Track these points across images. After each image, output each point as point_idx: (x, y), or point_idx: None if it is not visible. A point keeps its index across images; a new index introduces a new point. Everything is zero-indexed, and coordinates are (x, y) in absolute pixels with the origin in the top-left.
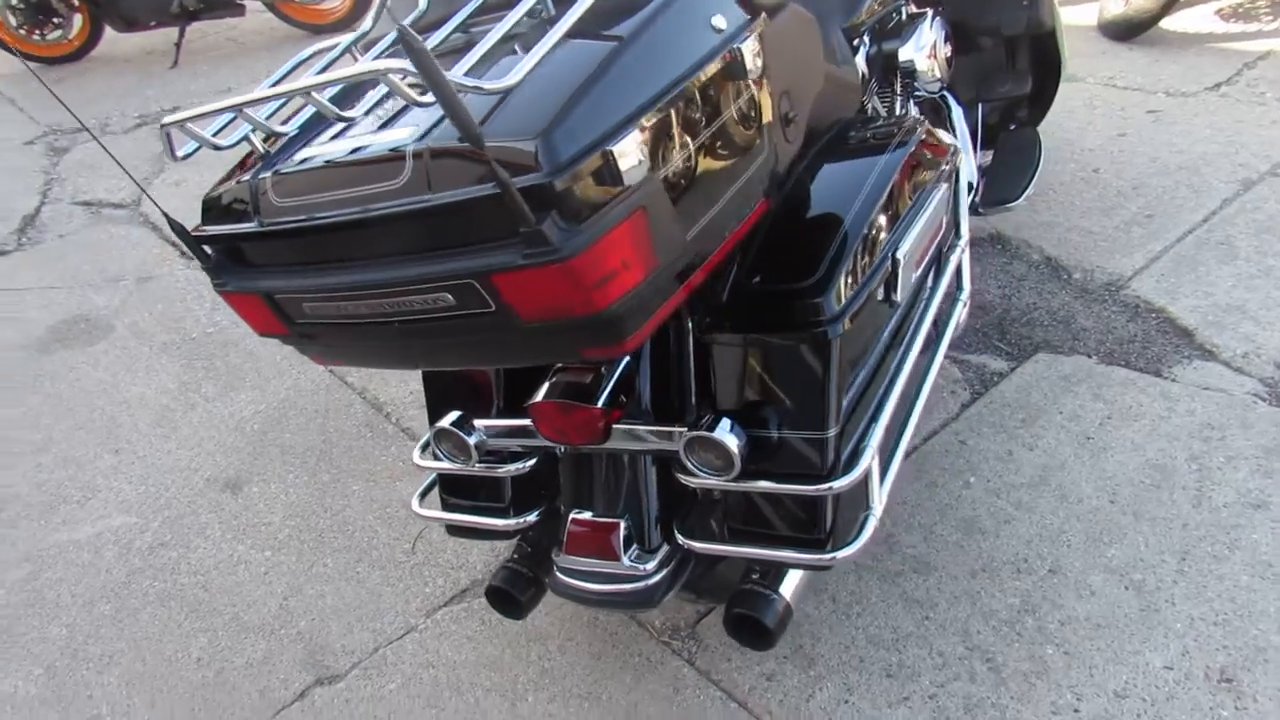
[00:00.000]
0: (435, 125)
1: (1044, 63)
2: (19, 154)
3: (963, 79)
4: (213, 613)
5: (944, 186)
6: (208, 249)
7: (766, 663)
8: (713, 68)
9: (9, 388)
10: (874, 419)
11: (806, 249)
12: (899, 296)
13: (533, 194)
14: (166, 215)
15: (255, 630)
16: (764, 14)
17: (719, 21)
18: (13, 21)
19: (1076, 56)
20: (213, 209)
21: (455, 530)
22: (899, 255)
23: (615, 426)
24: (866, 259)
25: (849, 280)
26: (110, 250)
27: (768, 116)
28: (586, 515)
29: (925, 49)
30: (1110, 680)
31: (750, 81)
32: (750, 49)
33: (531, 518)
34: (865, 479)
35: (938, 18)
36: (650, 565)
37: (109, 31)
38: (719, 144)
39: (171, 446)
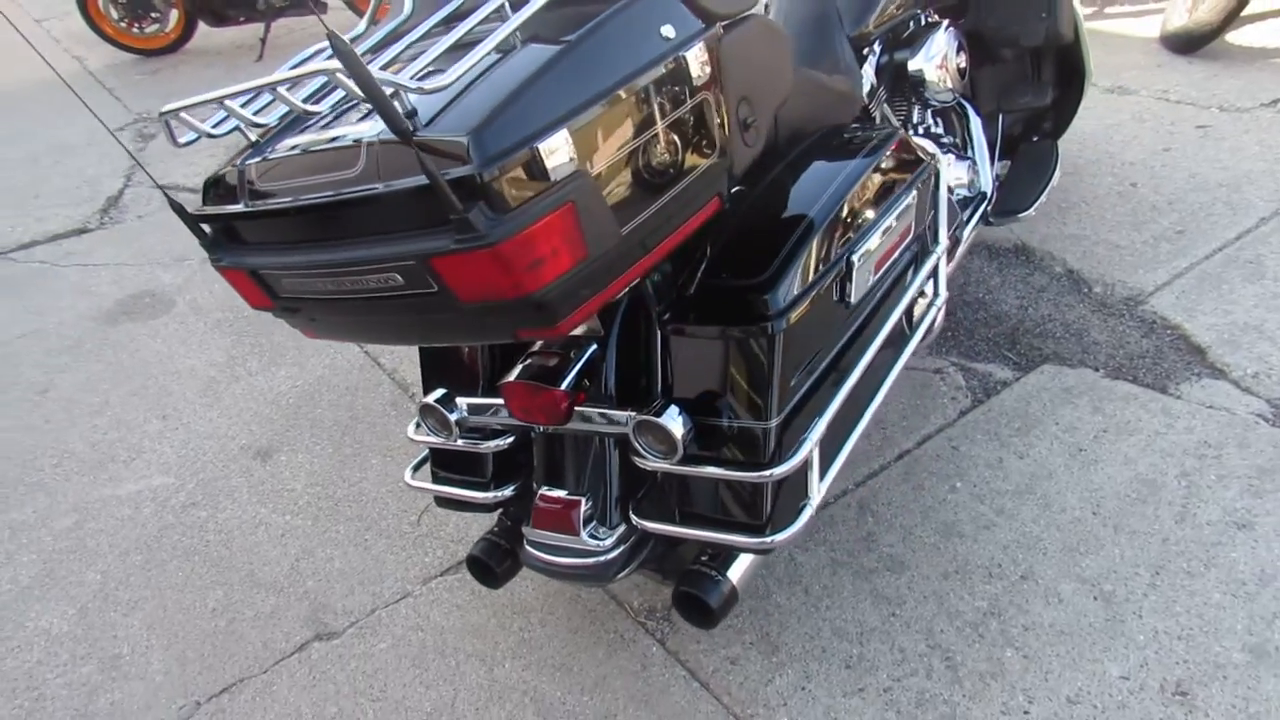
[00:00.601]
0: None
1: (1067, 74)
2: (110, 139)
3: (985, 90)
4: (231, 569)
5: (913, 193)
6: (205, 228)
7: (732, 647)
8: (656, 73)
9: (77, 355)
10: (819, 413)
11: (765, 247)
12: (853, 297)
13: (463, 185)
14: (167, 195)
15: (266, 587)
16: (719, 24)
17: (668, 30)
18: (114, 15)
19: (1132, 69)
20: (210, 191)
21: (442, 502)
22: (854, 258)
23: (577, 409)
24: (821, 259)
25: (799, 279)
26: (181, 232)
27: (720, 120)
28: (552, 492)
29: (935, 59)
30: (1065, 686)
31: (696, 87)
32: (696, 57)
33: (508, 492)
34: (805, 469)
35: (952, 29)
36: (608, 542)
37: (202, 26)
38: (660, 145)
39: (213, 415)
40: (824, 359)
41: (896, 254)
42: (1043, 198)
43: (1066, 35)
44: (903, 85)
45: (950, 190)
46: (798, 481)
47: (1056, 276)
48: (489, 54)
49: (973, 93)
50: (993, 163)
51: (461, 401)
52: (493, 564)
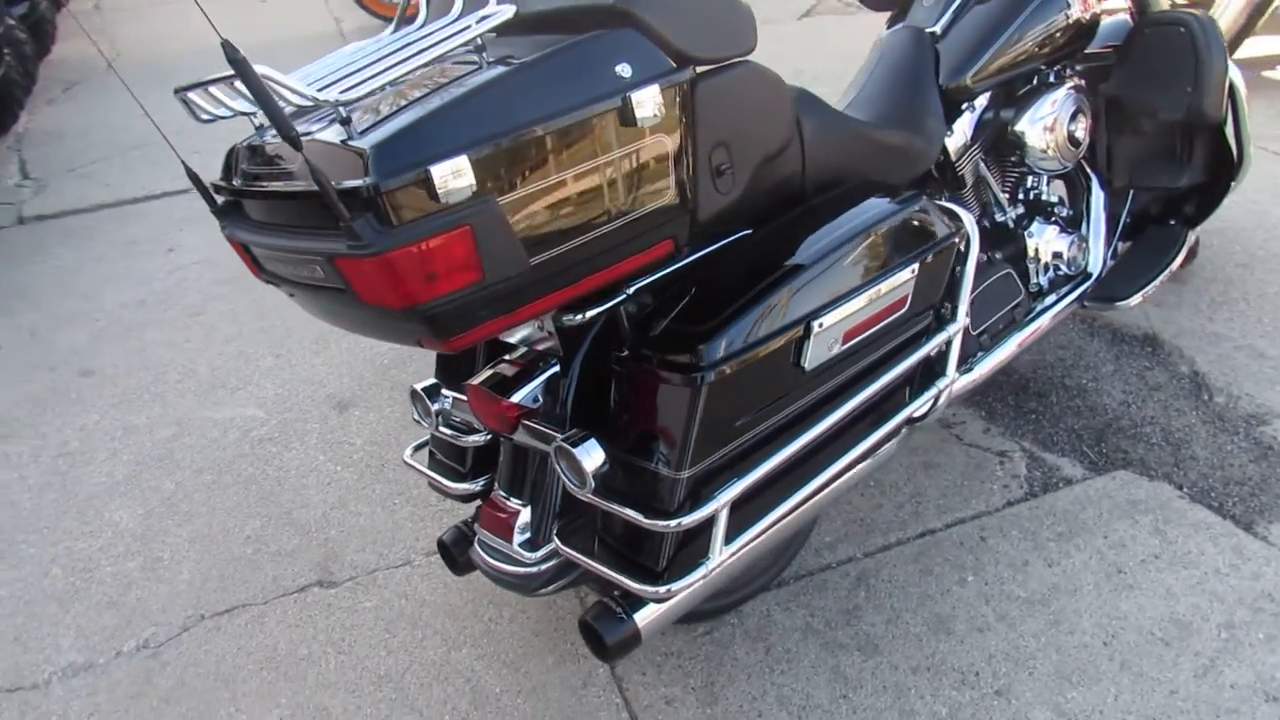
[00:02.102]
0: (330, 121)
1: (1217, 159)
2: None
3: (1120, 162)
4: (274, 504)
5: (915, 265)
6: (217, 197)
7: (674, 686)
8: (595, 111)
9: (235, 286)
10: (740, 475)
11: (725, 296)
12: (808, 364)
13: (355, 195)
14: (184, 163)
15: (296, 527)
16: (693, 68)
17: (623, 69)
18: None
19: None
20: (225, 163)
21: (431, 485)
22: (815, 323)
23: (524, 423)
24: (777, 319)
25: (744, 335)
26: None
27: (682, 164)
28: (503, 496)
29: (1042, 122)
30: None
31: (645, 129)
32: (649, 98)
33: (476, 486)
34: (709, 527)
35: (1073, 91)
36: (534, 555)
37: None
38: (593, 183)
39: (317, 362)
40: (766, 421)
41: (878, 326)
42: (1149, 288)
43: (1213, 116)
44: (1003, 146)
45: (1045, 265)
46: (704, 538)
47: (1178, 376)
48: (400, 73)
49: (1108, 163)
50: (1111, 242)
51: (448, 394)
52: (455, 552)
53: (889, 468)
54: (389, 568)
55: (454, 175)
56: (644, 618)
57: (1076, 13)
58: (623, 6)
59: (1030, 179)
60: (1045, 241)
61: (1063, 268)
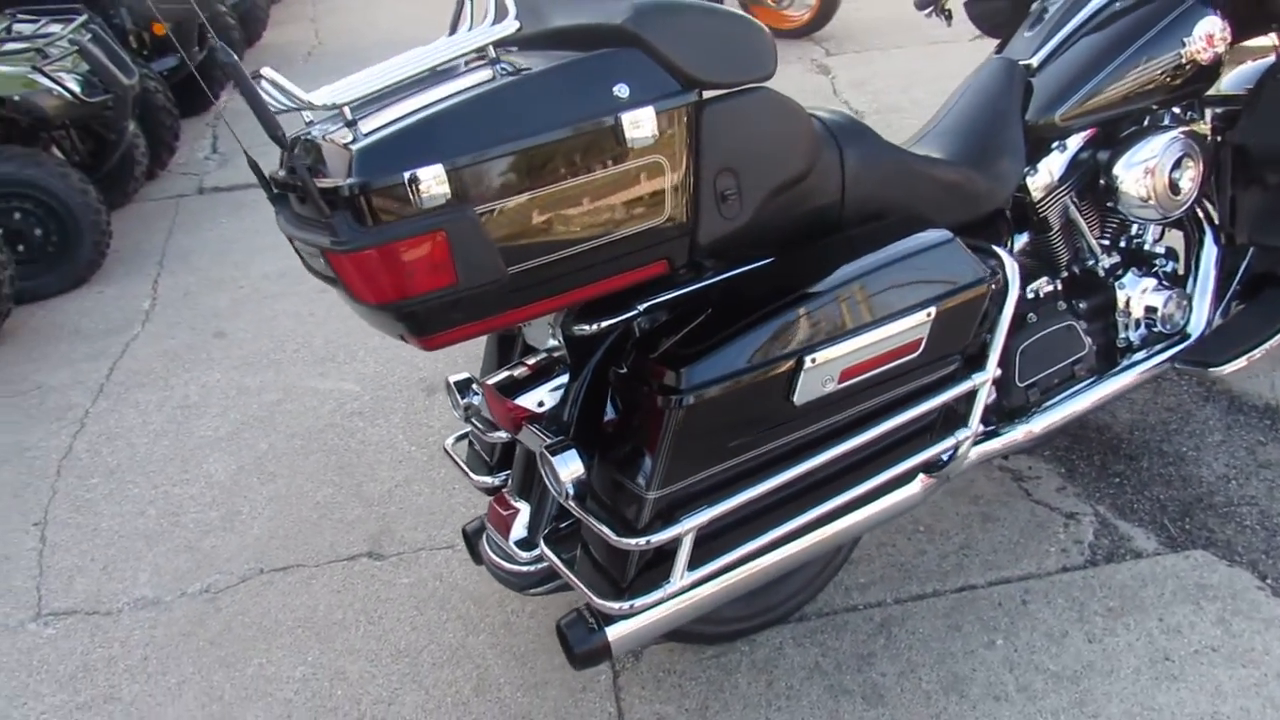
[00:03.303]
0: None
1: None
2: None
3: (1243, 216)
4: (349, 475)
5: (931, 308)
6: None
7: (670, 704)
8: (586, 128)
9: None
10: (712, 502)
11: (722, 320)
12: (798, 399)
13: (336, 195)
14: (246, 153)
15: (362, 500)
16: (698, 91)
17: (620, 90)
18: None
19: None
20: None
21: (465, 475)
22: (808, 358)
23: (527, 425)
24: (770, 350)
25: (731, 362)
26: None
27: (681, 187)
28: (509, 494)
29: (1140, 167)
30: None
31: (637, 150)
32: (642, 119)
33: (496, 481)
34: (672, 552)
35: (1181, 137)
36: (526, 555)
37: None
38: (577, 199)
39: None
40: (749, 452)
41: (884, 368)
42: (1251, 356)
43: None
44: (1098, 190)
45: (1136, 320)
46: (662, 560)
47: None
48: (395, 81)
49: (1230, 218)
50: (1220, 302)
51: (479, 389)
52: (476, 543)
53: (942, 515)
54: (433, 549)
55: (429, 182)
56: (616, 632)
57: (1195, 54)
58: (630, 28)
59: (1134, 227)
60: (1138, 295)
61: (1156, 325)
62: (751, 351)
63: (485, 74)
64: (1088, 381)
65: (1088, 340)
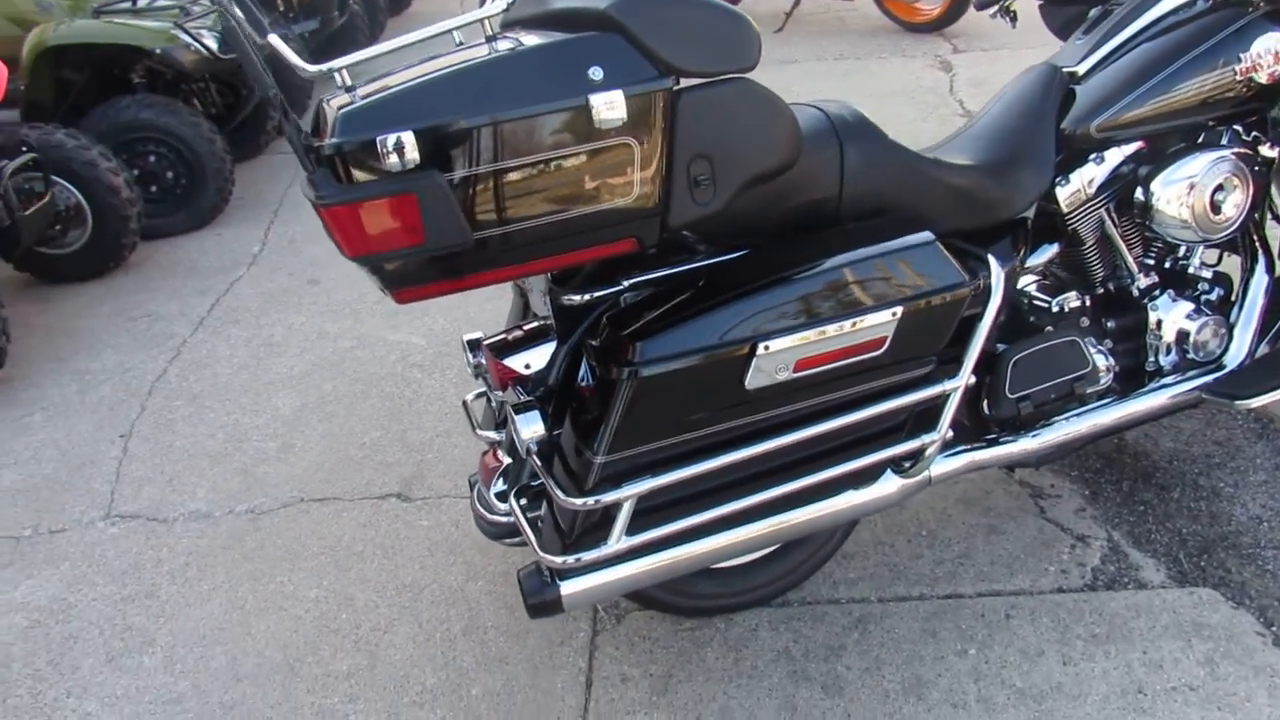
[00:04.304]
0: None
1: None
2: None
3: None
4: (397, 421)
5: (899, 308)
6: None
7: (635, 667)
8: (555, 107)
9: None
10: (654, 473)
11: (689, 301)
12: (749, 384)
13: (320, 153)
14: (295, 123)
15: (404, 445)
16: (674, 78)
17: (595, 72)
18: None
19: None
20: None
21: (471, 428)
22: (762, 345)
23: (512, 383)
24: (726, 333)
25: (684, 340)
26: None
27: (651, 170)
28: (498, 448)
29: (1178, 186)
30: None
31: (604, 130)
32: (612, 102)
33: (498, 436)
34: (610, 515)
35: (1233, 158)
36: (501, 506)
37: None
38: (543, 174)
39: (489, 307)
40: (700, 431)
41: (842, 362)
42: (1266, 398)
43: None
44: (1135, 206)
45: (1166, 345)
46: (605, 523)
47: None
48: (383, 52)
49: None
50: (1264, 334)
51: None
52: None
53: (949, 522)
54: (456, 497)
55: (400, 147)
56: (569, 588)
57: (1252, 71)
58: (612, 14)
59: (1181, 249)
60: (1172, 318)
61: (1189, 351)
62: (707, 333)
63: (481, 50)
64: (1105, 401)
65: (1098, 359)
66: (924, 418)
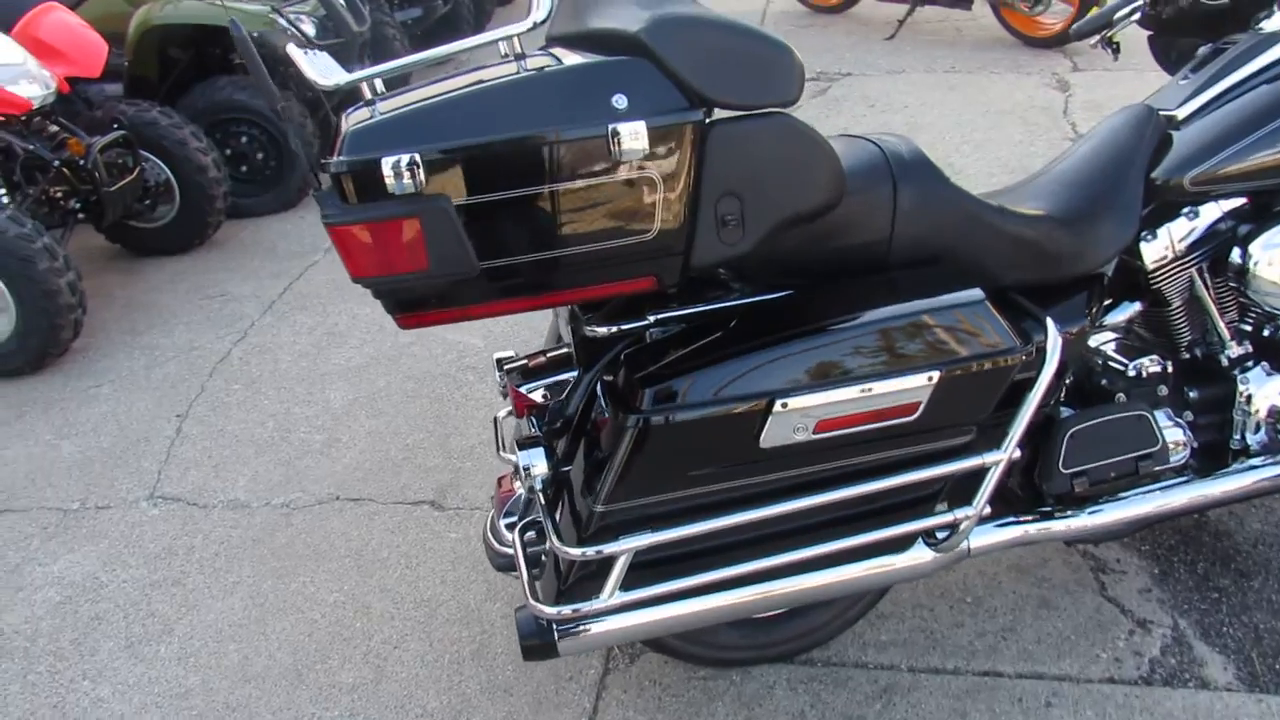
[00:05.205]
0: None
1: None
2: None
3: None
4: (442, 426)
5: (935, 373)
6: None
7: (643, 714)
8: (573, 136)
9: None
10: (656, 528)
11: (713, 346)
12: (764, 443)
13: (327, 170)
14: (305, 139)
15: (446, 452)
16: (705, 110)
17: (618, 100)
18: None
19: None
20: None
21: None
22: (780, 402)
23: (529, 414)
24: (739, 387)
25: (697, 391)
26: None
27: (673, 206)
28: (513, 474)
29: (1277, 250)
30: None
31: (622, 163)
32: (635, 132)
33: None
34: (605, 568)
35: None
36: (507, 537)
37: None
38: (558, 204)
39: (549, 314)
40: (709, 486)
41: (869, 426)
42: None
43: None
44: (1230, 268)
45: (1257, 422)
46: (600, 575)
47: None
48: (394, 68)
49: None
50: None
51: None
52: None
53: (997, 590)
54: (487, 510)
55: (404, 170)
56: (565, 639)
57: None
58: (643, 38)
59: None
60: (1264, 393)
61: None
62: (722, 384)
63: (508, 69)
64: (1179, 480)
65: (1172, 434)
66: (962, 488)
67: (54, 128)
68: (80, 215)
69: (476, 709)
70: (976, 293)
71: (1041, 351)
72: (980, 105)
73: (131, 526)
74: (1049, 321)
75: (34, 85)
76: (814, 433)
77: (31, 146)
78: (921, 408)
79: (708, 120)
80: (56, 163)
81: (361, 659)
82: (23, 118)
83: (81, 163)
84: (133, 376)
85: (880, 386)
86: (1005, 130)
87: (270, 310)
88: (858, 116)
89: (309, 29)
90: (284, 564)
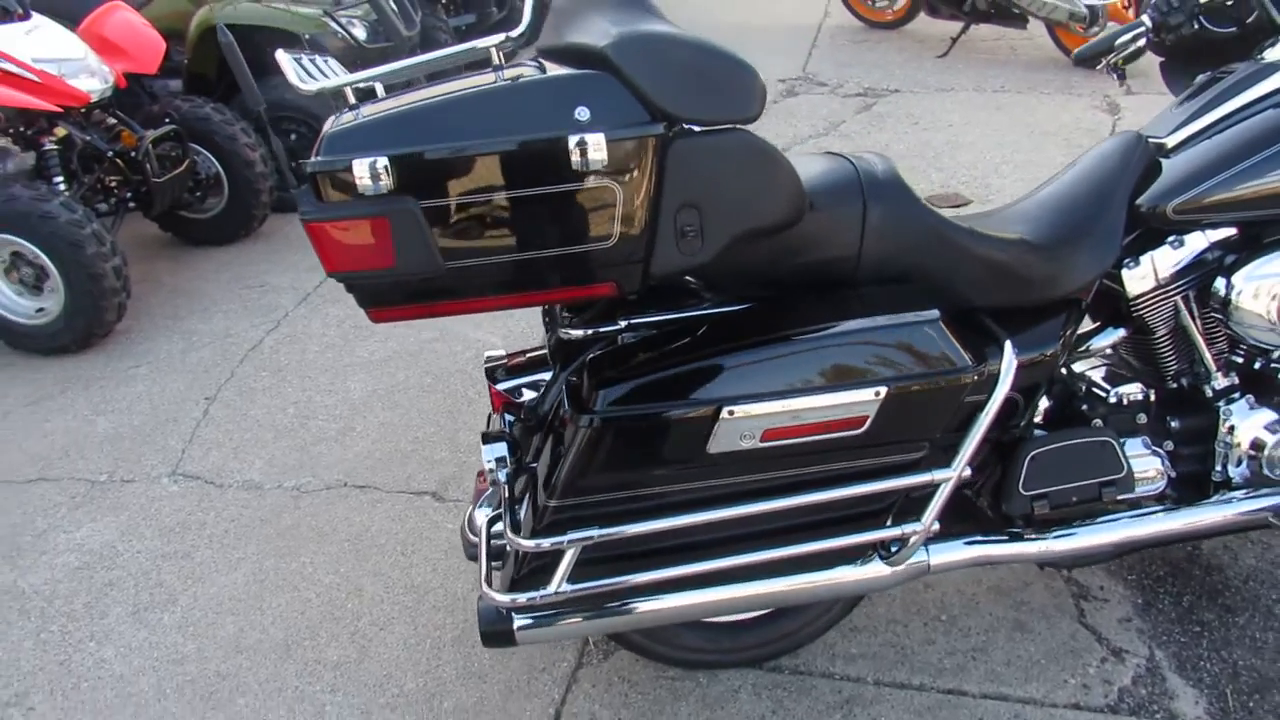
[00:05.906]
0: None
1: None
2: (838, 102)
3: None
4: (453, 421)
5: (882, 388)
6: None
7: (608, 709)
8: (535, 146)
9: None
10: (602, 525)
11: (671, 353)
12: (711, 448)
13: (304, 169)
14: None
15: (454, 446)
16: (665, 124)
17: (580, 112)
18: None
19: None
20: None
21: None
22: (727, 409)
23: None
24: (689, 392)
25: (647, 396)
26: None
27: (632, 216)
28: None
29: (1263, 282)
30: None
31: (582, 173)
32: (594, 144)
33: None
34: (553, 561)
35: None
36: (478, 527)
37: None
38: (518, 211)
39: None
40: (657, 488)
41: (815, 437)
42: None
43: None
44: (1206, 294)
45: (1238, 456)
46: (551, 567)
47: None
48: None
49: None
50: None
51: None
52: None
53: (974, 610)
54: None
55: (373, 172)
56: (521, 622)
57: None
58: (609, 54)
59: (1276, 351)
60: (1247, 425)
61: (1264, 467)
62: (673, 389)
63: (484, 79)
64: (1156, 509)
65: (1143, 463)
66: (913, 504)
67: (111, 120)
68: (131, 204)
69: (450, 693)
70: (932, 312)
71: (994, 373)
72: (1025, 126)
73: (151, 501)
74: (1007, 344)
75: (93, 79)
76: (761, 440)
77: (89, 137)
78: (869, 422)
79: (670, 134)
80: (110, 153)
81: (349, 638)
82: (82, 110)
83: (133, 154)
84: (170, 359)
85: (826, 399)
86: (1046, 152)
87: (305, 302)
88: (900, 133)
89: (360, 33)
90: (287, 544)
